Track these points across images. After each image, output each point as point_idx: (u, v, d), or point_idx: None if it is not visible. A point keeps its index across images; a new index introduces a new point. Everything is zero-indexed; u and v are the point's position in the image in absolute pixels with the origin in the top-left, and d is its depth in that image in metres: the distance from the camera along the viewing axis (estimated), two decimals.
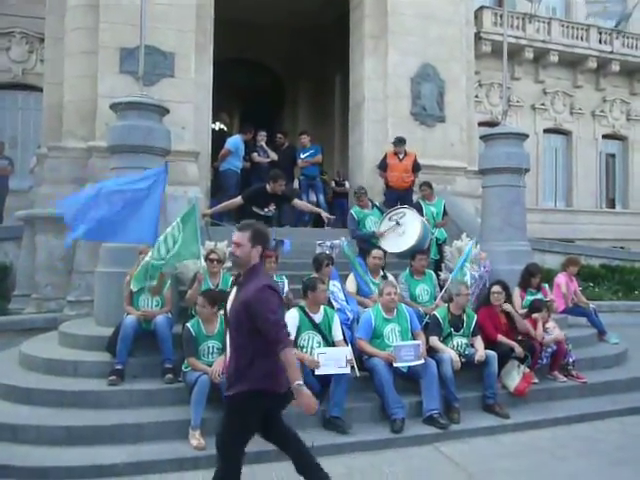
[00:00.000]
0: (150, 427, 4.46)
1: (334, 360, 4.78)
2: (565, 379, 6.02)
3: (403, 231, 7.06)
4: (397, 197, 8.39)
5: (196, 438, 4.30)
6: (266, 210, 6.64)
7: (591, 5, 18.18)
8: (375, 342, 5.27)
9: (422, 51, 10.76)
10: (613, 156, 19.76)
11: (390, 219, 7.24)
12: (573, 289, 8.05)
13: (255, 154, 10.40)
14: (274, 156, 10.57)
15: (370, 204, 7.69)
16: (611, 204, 19.64)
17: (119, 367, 5.05)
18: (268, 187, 6.60)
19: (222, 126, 21.83)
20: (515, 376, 5.51)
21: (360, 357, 5.25)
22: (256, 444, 4.33)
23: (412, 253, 6.68)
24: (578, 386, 5.98)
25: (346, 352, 4.87)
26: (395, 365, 5.07)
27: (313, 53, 16.38)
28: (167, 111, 6.66)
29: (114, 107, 6.48)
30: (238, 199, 6.79)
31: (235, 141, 10.01)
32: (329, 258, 5.97)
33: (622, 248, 16.62)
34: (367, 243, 7.19)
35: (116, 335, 5.24)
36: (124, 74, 8.88)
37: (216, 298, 4.87)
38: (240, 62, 16.99)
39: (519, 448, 4.67)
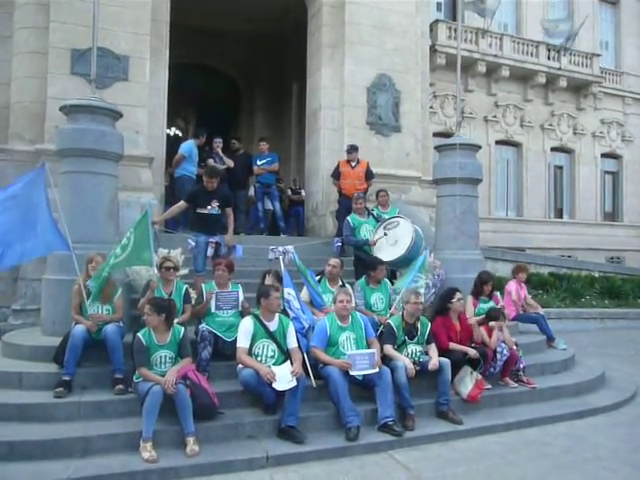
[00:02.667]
0: (99, 440, 4.31)
1: (284, 376, 4.74)
2: (516, 385, 6.14)
3: (395, 240, 7.17)
4: (350, 204, 8.46)
5: (148, 450, 4.17)
6: (209, 208, 6.67)
7: (544, 23, 18.79)
8: (330, 350, 5.26)
9: (378, 61, 10.91)
10: (561, 168, 20.43)
11: (385, 228, 7.36)
12: (523, 295, 8.26)
13: (211, 160, 10.29)
14: (230, 163, 10.49)
15: (366, 212, 7.82)
16: (559, 214, 20.29)
17: (67, 378, 4.86)
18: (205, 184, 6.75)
19: (177, 132, 21.57)
20: (468, 383, 5.60)
21: (315, 365, 5.23)
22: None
23: (405, 262, 6.81)
24: (528, 391, 6.11)
25: (290, 368, 4.82)
26: (351, 373, 5.06)
27: (270, 60, 16.40)
28: (120, 115, 6.51)
29: (64, 109, 6.29)
30: (182, 203, 6.88)
31: (188, 146, 9.89)
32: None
33: (569, 257, 17.22)
34: (360, 250, 7.46)
35: (64, 345, 5.05)
36: (75, 76, 8.65)
37: (162, 306, 4.76)
38: (196, 68, 16.86)
39: (472, 453, 4.73)
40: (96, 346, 5.13)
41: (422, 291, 6.54)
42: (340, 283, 6.44)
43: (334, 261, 6.45)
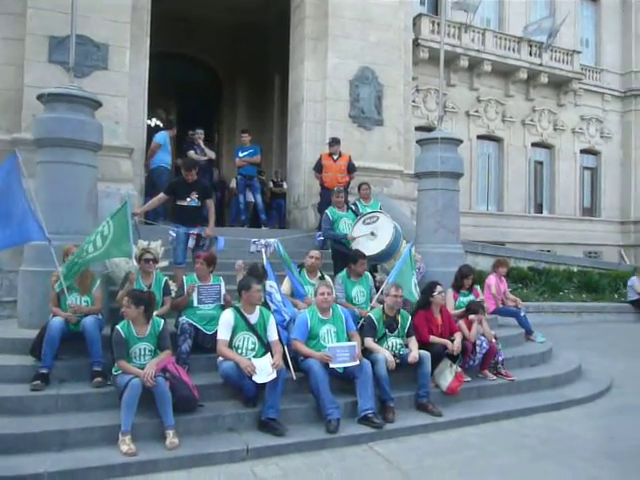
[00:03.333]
0: (77, 433, 4.26)
1: (265, 368, 4.73)
2: (495, 377, 6.21)
3: (375, 235, 7.15)
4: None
5: (126, 444, 4.14)
6: (189, 200, 6.65)
7: (528, 21, 18.93)
8: (311, 343, 5.26)
9: (361, 55, 10.90)
10: (541, 163, 20.66)
11: (364, 223, 7.34)
12: (503, 289, 8.35)
13: (192, 152, 10.20)
14: (211, 154, 10.41)
15: (345, 206, 7.81)
16: (539, 209, 20.52)
17: (44, 371, 4.79)
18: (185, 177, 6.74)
19: (158, 122, 21.32)
20: (448, 375, 5.64)
21: (296, 358, 5.23)
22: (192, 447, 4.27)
23: (385, 257, 6.80)
24: (507, 384, 6.18)
25: (270, 360, 4.81)
26: (331, 366, 5.07)
27: (253, 52, 16.27)
28: (100, 104, 6.41)
29: (42, 98, 6.17)
30: (161, 195, 6.90)
31: (162, 136, 9.81)
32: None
33: (548, 251, 17.43)
34: (339, 244, 7.44)
35: (41, 337, 4.97)
36: (53, 64, 8.51)
37: (141, 299, 4.71)
38: (178, 58, 16.67)
39: (451, 445, 4.77)
40: (74, 338, 5.06)
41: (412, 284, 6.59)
42: (319, 275, 6.45)
43: (315, 253, 6.46)
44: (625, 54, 21.85)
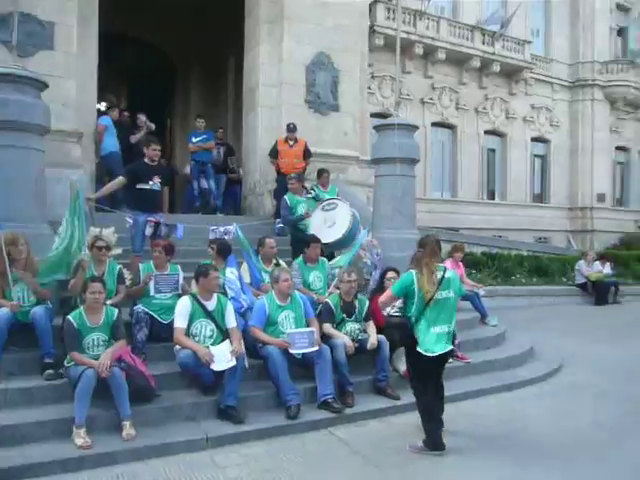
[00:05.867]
0: (28, 428, 4.10)
1: (223, 356, 4.67)
2: (451, 360, 6.24)
3: (333, 222, 7.12)
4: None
5: (81, 437, 4.01)
6: (151, 183, 6.43)
7: (481, 10, 19.18)
8: (269, 330, 5.23)
9: (317, 39, 10.81)
10: (494, 151, 21.06)
11: (323, 209, 7.28)
12: (460, 274, 8.47)
13: (134, 136, 9.95)
14: (151, 126, 10.29)
15: (304, 191, 7.74)
16: (491, 196, 20.95)
17: None
18: (146, 159, 6.49)
19: (109, 107, 20.67)
20: (405, 359, 5.69)
21: (254, 345, 5.19)
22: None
23: (343, 244, 6.83)
24: (463, 366, 6.31)
25: (229, 347, 4.76)
26: (290, 352, 5.05)
27: (206, 35, 15.91)
28: (45, 85, 6.13)
29: None
30: (120, 179, 6.58)
31: (106, 119, 9.55)
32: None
33: (501, 237, 17.84)
34: (297, 230, 7.39)
35: None
36: None
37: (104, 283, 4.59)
38: (129, 40, 16.17)
39: (409, 428, 4.81)
40: (23, 330, 4.86)
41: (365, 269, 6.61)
42: (275, 262, 6.41)
43: (271, 241, 6.42)
44: (573, 45, 22.42)
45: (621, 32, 23.65)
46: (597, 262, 13.86)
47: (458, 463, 4.22)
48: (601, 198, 22.17)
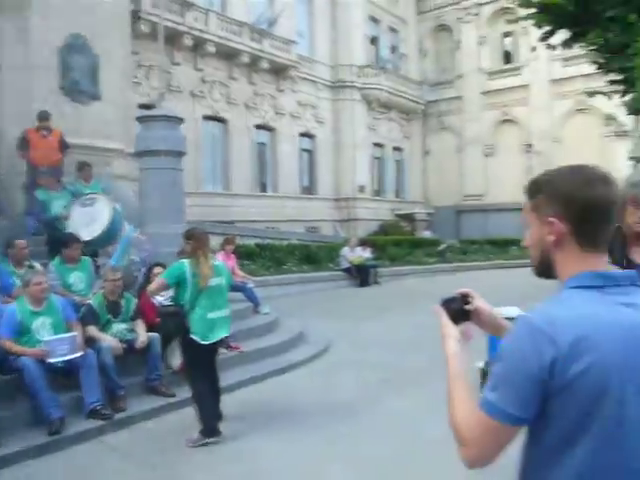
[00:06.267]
0: None
1: None
2: (225, 351, 6.36)
3: (92, 218, 6.55)
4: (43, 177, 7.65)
5: None
6: None
7: (247, 7, 19.57)
8: (23, 339, 4.72)
9: (72, 19, 9.89)
10: (264, 145, 21.79)
11: (82, 205, 6.74)
12: (231, 266, 8.59)
13: None
14: None
15: (62, 186, 6.96)
16: (263, 188, 21.68)
17: None
18: None
19: None
20: (178, 354, 5.58)
21: (5, 357, 4.62)
22: None
23: (105, 241, 6.45)
24: (237, 355, 6.43)
25: None
26: (48, 361, 4.61)
27: None
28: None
29: None
30: None
31: None
32: None
33: (273, 228, 18.58)
34: (54, 228, 6.81)
35: None
36: None
37: None
38: None
39: (186, 423, 4.69)
40: None
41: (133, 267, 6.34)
42: (28, 264, 5.79)
43: (21, 242, 5.83)
44: (334, 49, 24.31)
45: (374, 40, 26.32)
46: (359, 248, 15.25)
47: (235, 448, 4.31)
48: (362, 189, 24.51)
